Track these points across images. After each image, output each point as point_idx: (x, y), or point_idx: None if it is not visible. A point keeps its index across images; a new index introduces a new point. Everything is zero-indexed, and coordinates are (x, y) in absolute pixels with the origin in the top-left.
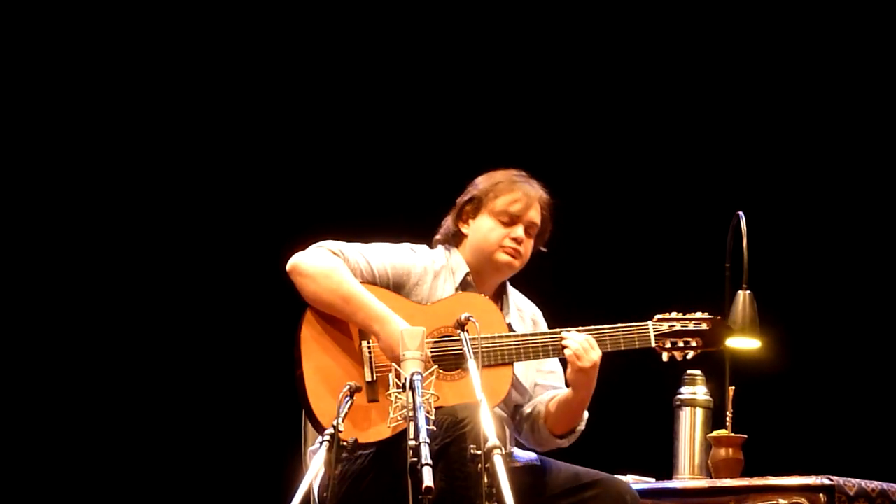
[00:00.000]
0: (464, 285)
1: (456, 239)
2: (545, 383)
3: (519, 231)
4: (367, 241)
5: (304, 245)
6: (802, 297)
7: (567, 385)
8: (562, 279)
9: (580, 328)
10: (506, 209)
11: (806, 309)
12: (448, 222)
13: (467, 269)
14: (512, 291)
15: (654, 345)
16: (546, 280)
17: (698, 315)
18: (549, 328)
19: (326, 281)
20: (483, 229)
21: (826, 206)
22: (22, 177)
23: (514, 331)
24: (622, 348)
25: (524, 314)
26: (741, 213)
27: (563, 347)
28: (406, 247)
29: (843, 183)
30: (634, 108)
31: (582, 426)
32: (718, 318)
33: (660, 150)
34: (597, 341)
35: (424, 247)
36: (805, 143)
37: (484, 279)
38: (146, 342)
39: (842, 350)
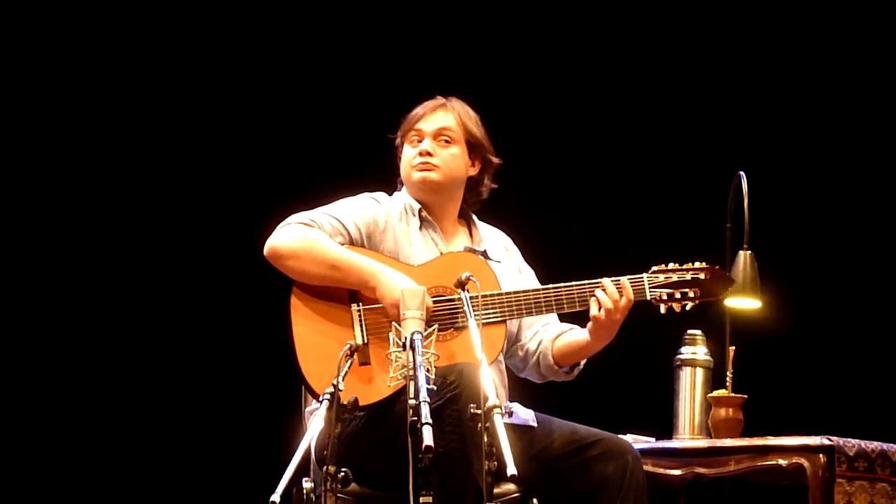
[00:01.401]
0: (423, 222)
1: (399, 184)
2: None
3: (422, 144)
4: (331, 200)
5: (278, 215)
6: (803, 258)
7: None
8: (561, 239)
9: (574, 282)
10: (409, 128)
11: (807, 269)
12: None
13: (418, 206)
14: (480, 222)
15: (649, 297)
16: (544, 240)
17: (696, 265)
18: (543, 284)
19: (309, 255)
20: (401, 159)
21: (827, 167)
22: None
23: (489, 258)
24: None
25: (496, 242)
26: (742, 173)
27: (588, 298)
28: (366, 196)
29: (844, 142)
30: (636, 66)
31: (584, 361)
32: (717, 267)
33: (661, 110)
34: (590, 296)
35: (383, 193)
36: (806, 103)
37: (432, 208)
38: (144, 307)
39: (842, 310)
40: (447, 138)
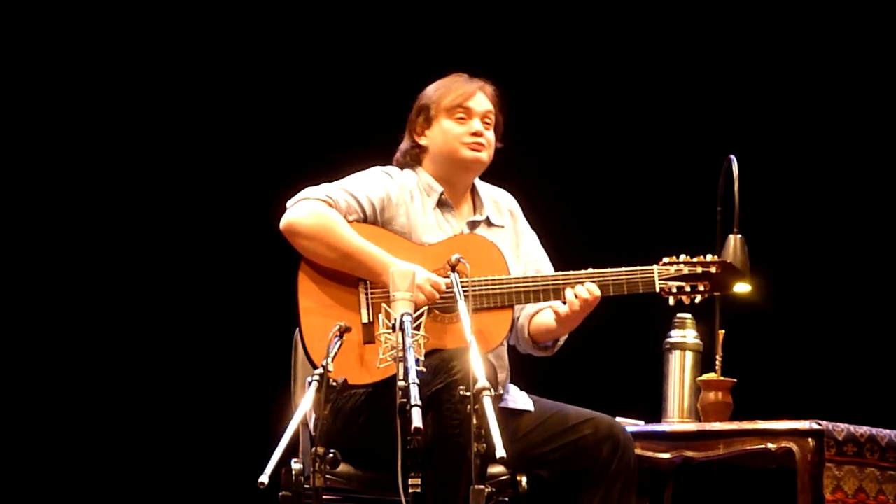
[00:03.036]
0: (440, 204)
1: (416, 156)
2: None
3: (476, 124)
4: (341, 171)
5: (290, 187)
6: (793, 242)
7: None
8: (550, 224)
9: (584, 271)
10: (456, 104)
11: (796, 253)
12: (404, 142)
13: (441, 189)
14: (481, 185)
15: (658, 289)
16: (534, 224)
17: (708, 259)
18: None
19: (325, 239)
20: (442, 133)
21: (818, 151)
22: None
23: (493, 224)
24: (625, 293)
25: (501, 205)
26: (733, 156)
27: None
28: (378, 170)
29: (834, 127)
30: (627, 51)
31: (564, 338)
32: (728, 261)
33: (651, 93)
34: (599, 286)
35: (394, 167)
36: (796, 87)
37: (456, 187)
38: (132, 287)
39: (832, 295)
40: (489, 121)
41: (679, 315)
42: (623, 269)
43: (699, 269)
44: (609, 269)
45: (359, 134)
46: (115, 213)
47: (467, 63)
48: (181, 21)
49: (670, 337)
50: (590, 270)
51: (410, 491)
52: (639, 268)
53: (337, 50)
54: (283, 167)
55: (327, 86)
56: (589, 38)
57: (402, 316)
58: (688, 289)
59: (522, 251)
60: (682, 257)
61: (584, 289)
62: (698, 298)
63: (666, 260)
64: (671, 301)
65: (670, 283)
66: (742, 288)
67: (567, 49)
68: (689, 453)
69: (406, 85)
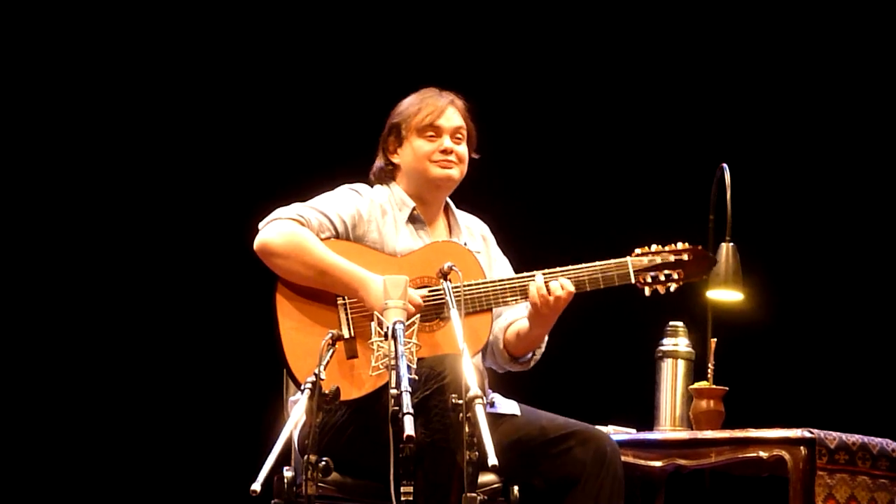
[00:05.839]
0: (412, 219)
1: (390, 172)
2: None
3: (446, 142)
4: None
5: (265, 207)
6: (785, 250)
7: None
8: (543, 230)
9: (559, 268)
10: (425, 123)
11: (789, 261)
12: (378, 160)
13: (413, 204)
14: (457, 211)
15: (633, 281)
16: (525, 230)
17: (679, 246)
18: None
19: (299, 257)
20: (412, 152)
21: (810, 159)
22: None
23: (470, 249)
24: (601, 286)
25: (473, 231)
26: (725, 164)
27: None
28: (347, 188)
29: (826, 135)
30: (620, 58)
31: (541, 350)
32: (699, 247)
33: (644, 101)
34: (575, 281)
35: (364, 185)
36: (789, 95)
37: (429, 204)
38: (126, 297)
39: (824, 303)
40: (460, 136)
41: (671, 323)
42: (597, 263)
43: (672, 258)
44: (583, 265)
45: (328, 155)
46: (102, 229)
47: (446, 72)
48: (154, 42)
49: (662, 345)
50: (568, 267)
51: (403, 499)
52: (612, 261)
53: (307, 74)
54: (256, 188)
55: (296, 108)
56: (582, 46)
57: (395, 324)
58: (662, 278)
59: (495, 277)
60: (654, 247)
61: (559, 284)
62: (673, 287)
63: (638, 251)
64: (647, 292)
65: (644, 274)
66: (734, 296)
67: (560, 56)
68: (681, 461)
69: (375, 105)
